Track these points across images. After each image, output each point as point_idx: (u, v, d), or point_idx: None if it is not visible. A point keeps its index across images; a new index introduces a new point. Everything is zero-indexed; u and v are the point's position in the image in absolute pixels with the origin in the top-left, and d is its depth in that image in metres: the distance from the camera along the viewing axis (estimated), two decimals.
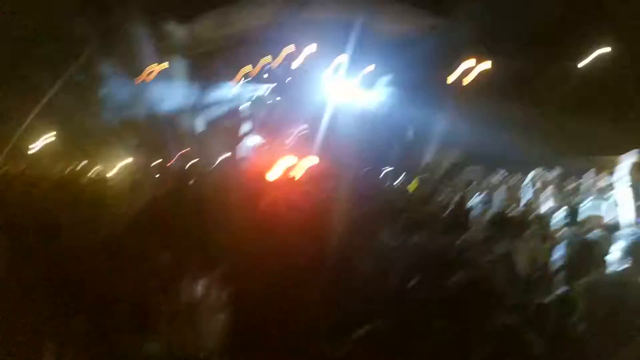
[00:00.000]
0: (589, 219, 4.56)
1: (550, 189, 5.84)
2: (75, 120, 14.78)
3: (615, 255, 3.33)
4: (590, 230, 4.16)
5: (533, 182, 5.56)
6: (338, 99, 14.64)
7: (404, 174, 9.53)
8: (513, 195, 7.03)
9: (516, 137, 11.74)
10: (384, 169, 9.84)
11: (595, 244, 3.34)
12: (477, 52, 14.03)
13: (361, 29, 15.37)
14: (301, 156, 12.56)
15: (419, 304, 3.61)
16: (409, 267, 3.82)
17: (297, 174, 8.75)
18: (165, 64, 15.54)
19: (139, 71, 15.47)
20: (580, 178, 7.35)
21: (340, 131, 13.44)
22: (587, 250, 3.19)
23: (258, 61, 15.77)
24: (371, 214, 4.61)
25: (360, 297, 3.55)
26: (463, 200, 5.39)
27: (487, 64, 13.87)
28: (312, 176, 7.38)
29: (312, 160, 12.10)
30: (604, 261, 3.28)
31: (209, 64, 16.09)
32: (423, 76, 14.12)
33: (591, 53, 13.66)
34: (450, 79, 14.36)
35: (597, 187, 6.46)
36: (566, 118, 12.50)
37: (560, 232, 3.91)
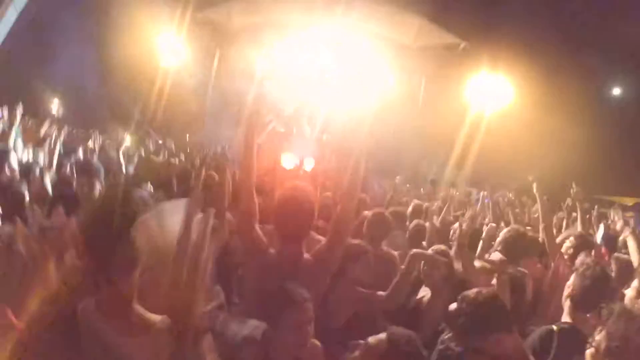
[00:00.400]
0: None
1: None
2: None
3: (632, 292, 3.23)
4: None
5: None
6: (353, 101, 14.60)
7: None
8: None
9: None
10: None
11: (611, 277, 3.23)
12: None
13: (383, 39, 15.42)
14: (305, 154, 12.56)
15: (419, 315, 3.51)
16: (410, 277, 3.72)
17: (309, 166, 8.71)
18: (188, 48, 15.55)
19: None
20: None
21: (351, 132, 13.38)
22: (602, 282, 3.07)
23: (279, 51, 15.72)
24: (378, 218, 4.51)
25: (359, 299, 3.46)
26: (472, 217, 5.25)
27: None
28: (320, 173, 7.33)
29: (318, 159, 12.08)
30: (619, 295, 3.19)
31: (232, 49, 16.12)
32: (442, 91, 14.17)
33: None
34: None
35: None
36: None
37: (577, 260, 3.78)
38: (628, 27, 13.20)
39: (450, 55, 15.35)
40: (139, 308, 2.13)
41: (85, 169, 5.11)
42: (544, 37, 13.32)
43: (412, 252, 3.54)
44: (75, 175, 5.35)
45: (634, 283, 3.46)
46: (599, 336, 2.35)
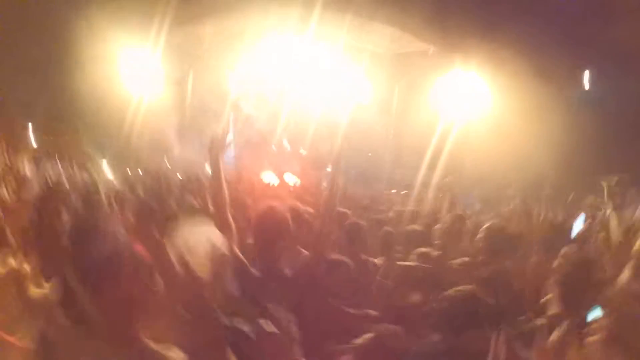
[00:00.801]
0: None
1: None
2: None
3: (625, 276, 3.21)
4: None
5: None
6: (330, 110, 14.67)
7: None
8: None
9: None
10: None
11: (596, 265, 3.21)
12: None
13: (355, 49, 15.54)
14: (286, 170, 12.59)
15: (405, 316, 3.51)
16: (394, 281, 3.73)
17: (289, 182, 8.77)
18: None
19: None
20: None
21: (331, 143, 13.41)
22: (588, 268, 3.06)
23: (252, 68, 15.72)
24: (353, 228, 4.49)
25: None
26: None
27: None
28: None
29: (299, 173, 12.10)
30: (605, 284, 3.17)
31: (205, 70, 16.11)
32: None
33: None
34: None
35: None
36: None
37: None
38: (600, 27, 13.45)
39: (423, 62, 15.47)
40: (145, 339, 2.13)
41: (52, 195, 4.99)
42: (517, 39, 13.47)
43: (397, 265, 3.55)
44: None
45: (627, 269, 3.45)
46: (602, 322, 2.32)
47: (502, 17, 13.64)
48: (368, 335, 2.45)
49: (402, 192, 11.15)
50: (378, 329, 2.48)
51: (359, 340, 2.46)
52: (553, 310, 3.01)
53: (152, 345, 2.10)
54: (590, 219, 5.85)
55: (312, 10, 13.76)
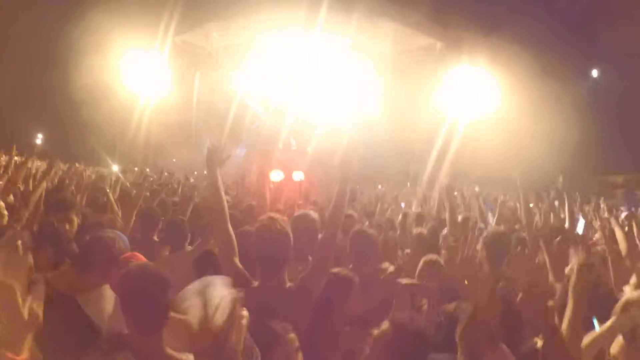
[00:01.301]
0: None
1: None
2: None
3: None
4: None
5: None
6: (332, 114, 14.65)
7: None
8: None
9: None
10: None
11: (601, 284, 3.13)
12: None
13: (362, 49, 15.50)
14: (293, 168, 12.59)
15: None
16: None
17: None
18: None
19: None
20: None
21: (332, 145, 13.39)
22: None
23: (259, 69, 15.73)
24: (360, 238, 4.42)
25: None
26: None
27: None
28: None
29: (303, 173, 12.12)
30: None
31: (212, 70, 16.13)
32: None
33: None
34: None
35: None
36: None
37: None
38: (606, 23, 13.39)
39: (430, 59, 15.38)
40: (169, 350, 2.21)
41: (60, 206, 5.00)
42: (524, 35, 13.41)
43: (401, 284, 3.52)
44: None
45: (632, 280, 3.38)
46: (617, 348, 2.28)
47: (508, 13, 13.61)
48: (385, 325, 2.43)
49: (409, 191, 11.13)
50: (393, 317, 2.47)
51: (376, 332, 2.45)
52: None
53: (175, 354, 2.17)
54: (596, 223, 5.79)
55: (318, 10, 13.74)
